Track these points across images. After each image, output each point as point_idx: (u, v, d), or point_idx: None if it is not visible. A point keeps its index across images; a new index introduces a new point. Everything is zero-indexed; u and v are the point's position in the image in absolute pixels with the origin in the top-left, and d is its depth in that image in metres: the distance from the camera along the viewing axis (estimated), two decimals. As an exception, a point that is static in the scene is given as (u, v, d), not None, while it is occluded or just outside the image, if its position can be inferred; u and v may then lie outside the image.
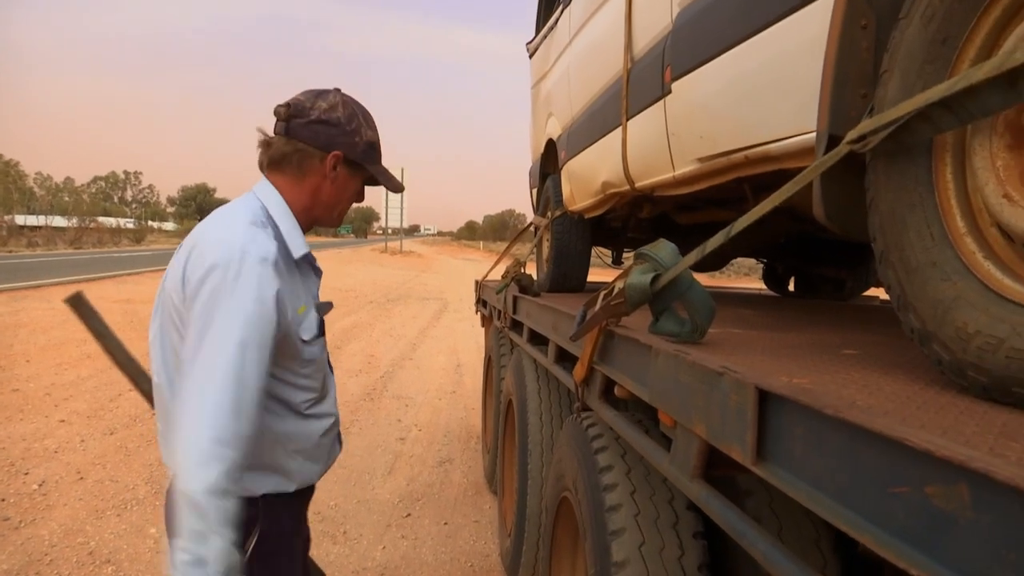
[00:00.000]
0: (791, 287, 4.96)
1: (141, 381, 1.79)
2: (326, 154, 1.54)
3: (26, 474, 4.74)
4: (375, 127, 1.65)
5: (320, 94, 1.57)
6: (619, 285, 1.65)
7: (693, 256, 1.49)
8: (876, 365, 1.33)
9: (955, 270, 1.01)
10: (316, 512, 4.32)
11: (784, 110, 1.61)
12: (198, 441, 1.29)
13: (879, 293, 4.19)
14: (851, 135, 1.17)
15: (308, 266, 1.63)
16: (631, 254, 5.10)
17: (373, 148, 1.62)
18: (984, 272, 0.99)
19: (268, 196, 1.55)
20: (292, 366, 1.53)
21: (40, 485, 4.55)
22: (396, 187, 1.70)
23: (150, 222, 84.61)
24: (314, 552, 2.36)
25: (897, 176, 1.11)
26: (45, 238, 45.08)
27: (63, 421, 5.94)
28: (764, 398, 0.93)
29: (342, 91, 1.61)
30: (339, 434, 1.82)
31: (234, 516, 1.32)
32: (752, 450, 0.93)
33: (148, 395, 1.75)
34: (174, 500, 1.29)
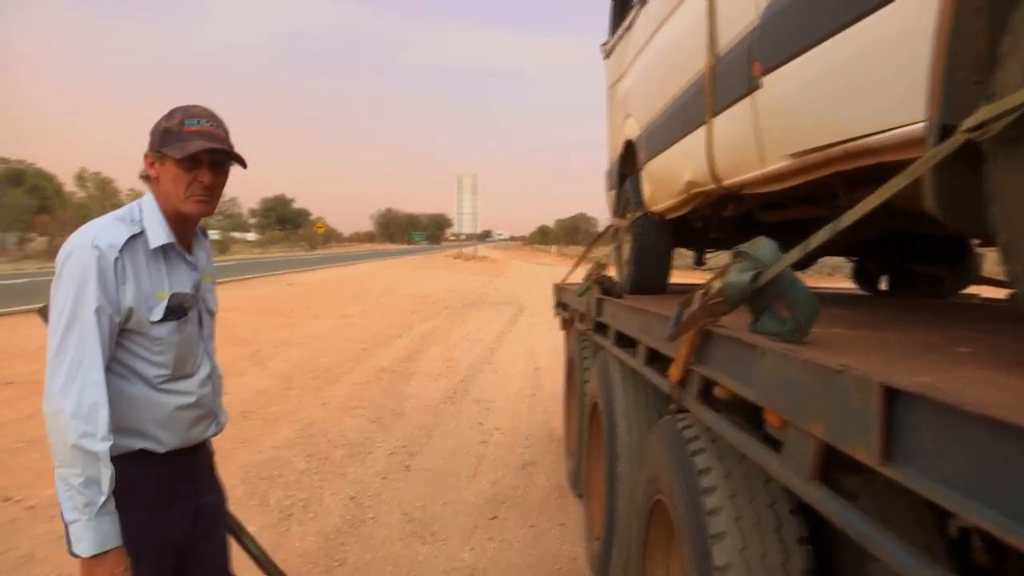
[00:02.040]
0: (883, 286, 4.79)
1: None
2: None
3: (130, 476, 4.97)
4: (182, 114, 1.77)
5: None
6: (717, 284, 1.62)
7: (796, 253, 1.46)
8: (995, 363, 1.27)
9: (1090, 261, 0.96)
10: (404, 513, 4.41)
11: (887, 100, 1.56)
12: (56, 388, 1.63)
13: (979, 291, 4.00)
14: (968, 123, 1.12)
15: (178, 258, 1.85)
16: (713, 255, 5.04)
17: (167, 132, 1.75)
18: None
19: (145, 202, 1.83)
20: (141, 341, 1.77)
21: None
22: (195, 148, 1.73)
23: (233, 233, 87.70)
24: (403, 552, 2.41)
25: (1022, 164, 1.06)
26: (137, 251, 47.09)
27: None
28: (891, 396, 0.90)
29: (178, 106, 1.82)
30: (211, 418, 2.01)
31: (102, 451, 1.62)
32: (878, 451, 0.90)
33: None
34: (53, 446, 1.64)
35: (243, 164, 1.86)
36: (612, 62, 5.04)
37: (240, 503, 4.45)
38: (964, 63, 1.25)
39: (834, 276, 16.54)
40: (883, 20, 1.54)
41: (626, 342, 2.94)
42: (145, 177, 1.83)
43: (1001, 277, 4.41)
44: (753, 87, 2.22)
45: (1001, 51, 1.11)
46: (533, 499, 4.76)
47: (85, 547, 1.62)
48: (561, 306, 5.60)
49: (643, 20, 3.93)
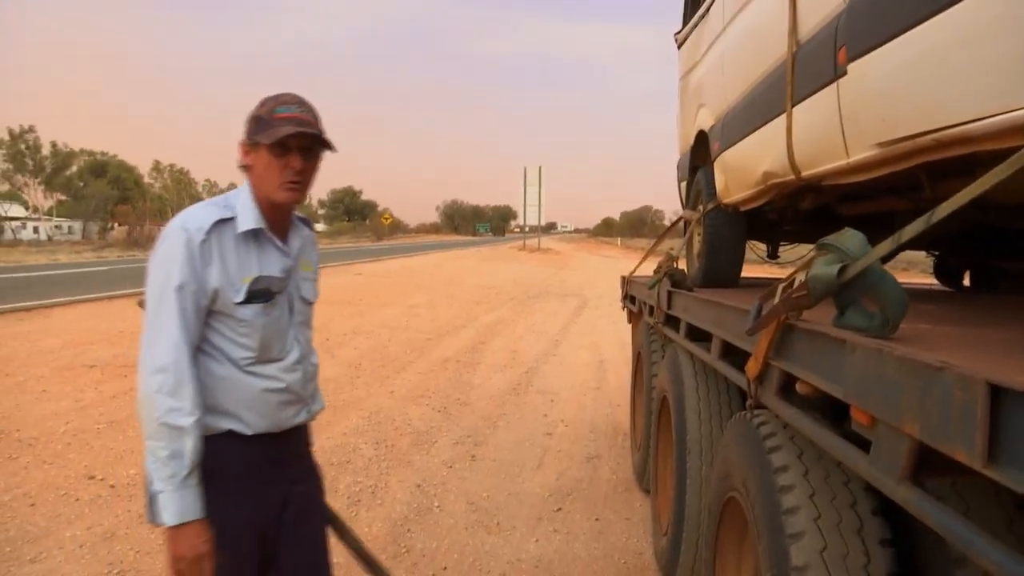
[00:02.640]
0: (965, 281, 4.61)
1: None
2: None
3: (207, 457, 5.14)
4: (272, 102, 1.82)
5: None
6: (800, 277, 1.57)
7: (886, 245, 1.40)
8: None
9: None
10: (469, 502, 4.44)
11: (988, 86, 1.48)
12: (146, 366, 1.70)
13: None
14: (1083, 108, 1.06)
15: (269, 243, 1.89)
16: (787, 248, 4.91)
17: (258, 120, 1.81)
18: None
19: (242, 188, 1.89)
20: (228, 322, 1.82)
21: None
22: (285, 132, 1.77)
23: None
24: (469, 541, 2.44)
25: None
26: (212, 240, 48.63)
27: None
28: (997, 395, 0.86)
29: (271, 94, 1.87)
30: (300, 404, 2.00)
31: (188, 425, 1.69)
32: (983, 452, 0.86)
33: None
34: (141, 418, 1.71)
35: (331, 148, 1.89)
36: (685, 51, 4.95)
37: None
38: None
39: (909, 271, 15.97)
40: (984, 2, 1.46)
41: (698, 336, 2.89)
42: (244, 167, 1.88)
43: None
44: (839, 74, 2.15)
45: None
46: (598, 492, 4.73)
47: (169, 516, 1.69)
48: (629, 299, 5.54)
49: (719, 7, 3.84)
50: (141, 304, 1.89)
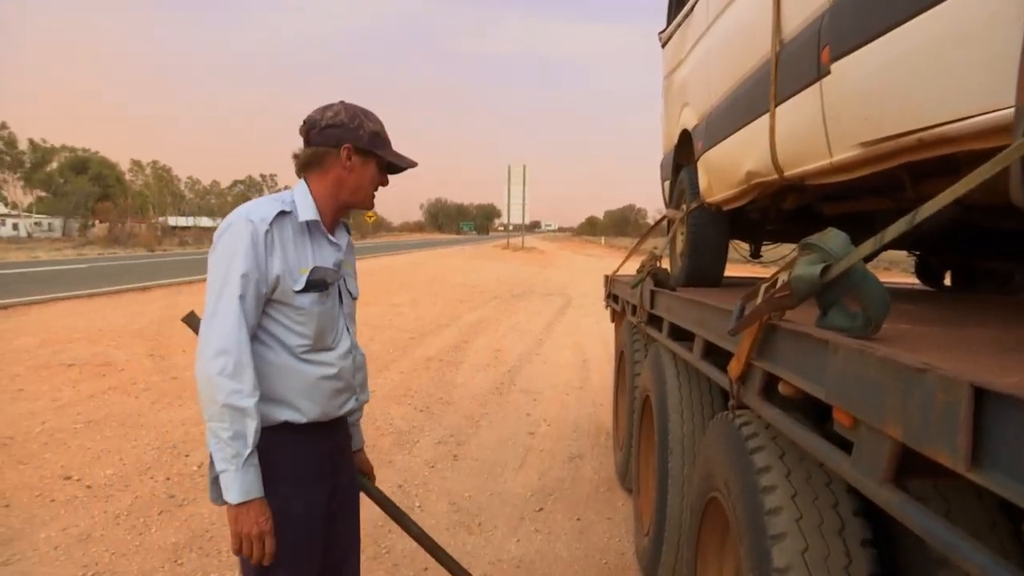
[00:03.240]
0: (947, 281, 4.63)
1: None
2: (339, 149, 1.92)
3: (187, 456, 5.10)
4: (377, 121, 1.98)
5: (326, 107, 1.96)
6: (783, 277, 1.56)
7: (868, 245, 1.39)
8: (1087, 364, 1.19)
9: None
10: (451, 503, 4.42)
11: (971, 86, 1.48)
12: (208, 350, 1.75)
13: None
14: (1066, 108, 1.05)
15: (323, 238, 1.98)
16: (770, 247, 4.93)
17: (378, 136, 1.95)
18: None
19: (297, 188, 1.98)
20: (285, 311, 1.88)
21: (199, 467, 4.87)
22: (408, 164, 2.03)
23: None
24: (450, 541, 2.45)
25: (1125, 152, 0.99)
26: (194, 237, 48.41)
27: (216, 408, 6.34)
28: (980, 397, 0.84)
29: (345, 101, 1.97)
30: (350, 392, 2.09)
31: (249, 407, 1.75)
32: (965, 455, 0.85)
33: None
34: (203, 403, 1.77)
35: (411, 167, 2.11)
36: (669, 50, 4.95)
37: (291, 486, 4.52)
38: (1060, 44, 1.17)
39: (891, 271, 16.10)
40: (967, 2, 1.46)
41: (681, 335, 2.88)
42: (307, 164, 1.95)
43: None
44: (822, 73, 2.14)
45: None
46: (580, 492, 4.72)
47: (233, 495, 1.75)
48: (612, 298, 5.54)
49: (703, 6, 3.84)
50: (189, 322, 2.04)
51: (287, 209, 1.89)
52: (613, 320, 5.98)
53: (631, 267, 4.69)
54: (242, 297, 1.77)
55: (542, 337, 11.32)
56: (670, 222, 4.66)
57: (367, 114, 1.96)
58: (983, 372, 0.93)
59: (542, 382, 8.05)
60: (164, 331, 9.85)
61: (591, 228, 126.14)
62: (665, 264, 4.08)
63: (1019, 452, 0.79)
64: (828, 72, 2.11)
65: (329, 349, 1.99)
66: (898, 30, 1.69)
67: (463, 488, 4.70)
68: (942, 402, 0.90)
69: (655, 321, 3.46)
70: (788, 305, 1.53)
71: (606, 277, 5.90)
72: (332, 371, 1.98)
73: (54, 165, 72.80)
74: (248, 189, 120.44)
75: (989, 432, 0.84)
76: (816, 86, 2.21)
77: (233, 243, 1.80)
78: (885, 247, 4.12)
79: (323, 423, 1.98)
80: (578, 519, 4.26)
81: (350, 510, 2.19)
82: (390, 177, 2.08)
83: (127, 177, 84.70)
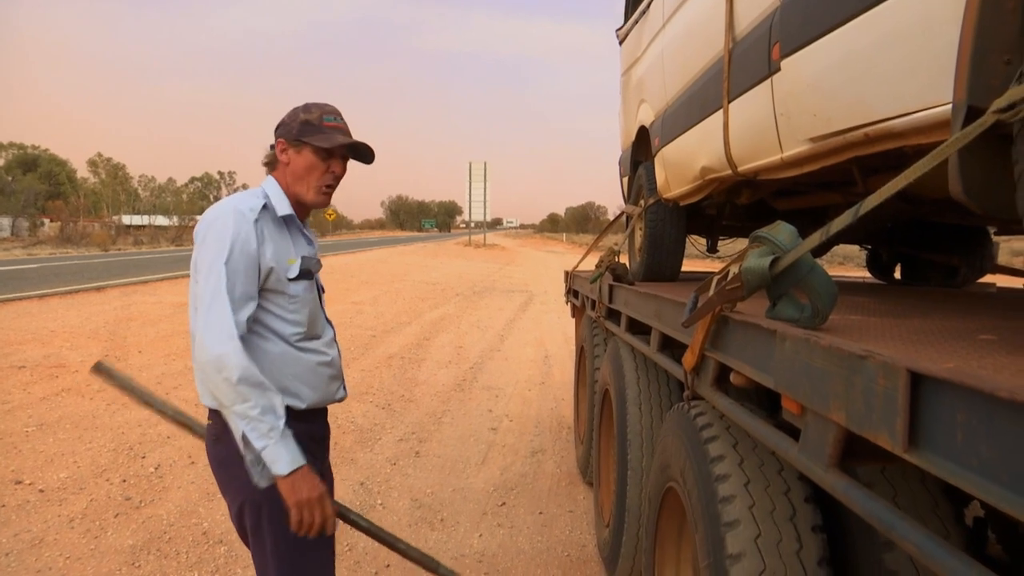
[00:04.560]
0: (897, 274, 4.75)
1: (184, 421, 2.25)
2: (277, 146, 1.99)
3: (143, 457, 5.01)
4: (320, 111, 1.97)
5: (292, 109, 2.00)
6: (734, 269, 1.60)
7: (815, 238, 1.43)
8: (1023, 350, 1.24)
9: None
10: (413, 499, 4.42)
11: (911, 83, 1.52)
12: (211, 337, 1.75)
13: (996, 279, 3.96)
14: (999, 103, 1.09)
15: (299, 232, 2.03)
16: (726, 242, 5.00)
17: (307, 124, 1.94)
18: None
19: (268, 184, 2.01)
20: (279, 301, 1.92)
21: (156, 468, 4.79)
22: (334, 142, 1.95)
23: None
24: (412, 537, 2.48)
25: (1053, 146, 1.03)
26: (149, 236, 47.48)
27: (173, 409, 6.23)
28: (917, 381, 0.88)
29: (310, 102, 2.01)
30: (342, 380, 2.18)
31: (266, 380, 1.79)
32: (903, 437, 0.88)
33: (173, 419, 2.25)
34: (218, 393, 1.76)
35: (370, 160, 2.09)
36: (627, 47, 4.99)
37: (250, 486, 4.47)
38: (993, 43, 1.22)
39: (845, 265, 16.44)
40: (909, 1, 1.50)
41: (638, 329, 2.92)
42: (268, 164, 2.03)
43: (1019, 266, 4.36)
44: (773, 70, 2.19)
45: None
46: (542, 486, 4.75)
47: (284, 465, 1.75)
48: (572, 293, 5.57)
49: (659, 4, 3.88)
50: (102, 372, 2.17)
51: (266, 202, 1.93)
52: (574, 315, 6.02)
53: (591, 263, 4.72)
54: (234, 286, 1.80)
55: (504, 334, 11.34)
56: (629, 218, 4.70)
57: (308, 107, 1.98)
58: (922, 359, 0.96)
59: (504, 378, 8.07)
60: (119, 332, 9.65)
61: (553, 225, 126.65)
62: (624, 259, 4.12)
63: (952, 434, 0.82)
64: (778, 69, 2.15)
65: (318, 337, 2.05)
66: (844, 28, 1.74)
67: (425, 485, 4.70)
68: (882, 387, 0.93)
69: (614, 315, 3.50)
70: (739, 297, 1.56)
71: (566, 273, 5.94)
72: (327, 358, 2.05)
73: (0, 163, 70.82)
74: (205, 187, 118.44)
75: (925, 415, 0.87)
76: (767, 83, 2.26)
77: (223, 234, 1.81)
78: (834, 240, 4.20)
79: (316, 410, 2.05)
80: (540, 513, 4.29)
81: (331, 496, 2.18)
82: (361, 168, 2.12)
83: (80, 175, 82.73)
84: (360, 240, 71.11)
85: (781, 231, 1.52)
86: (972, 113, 1.21)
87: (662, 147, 3.75)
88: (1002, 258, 3.81)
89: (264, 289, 1.89)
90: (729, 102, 2.62)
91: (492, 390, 7.49)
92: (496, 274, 24.65)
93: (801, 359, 1.21)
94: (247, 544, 2.02)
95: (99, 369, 2.26)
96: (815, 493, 1.71)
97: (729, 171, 2.76)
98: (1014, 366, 1.02)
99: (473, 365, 8.75)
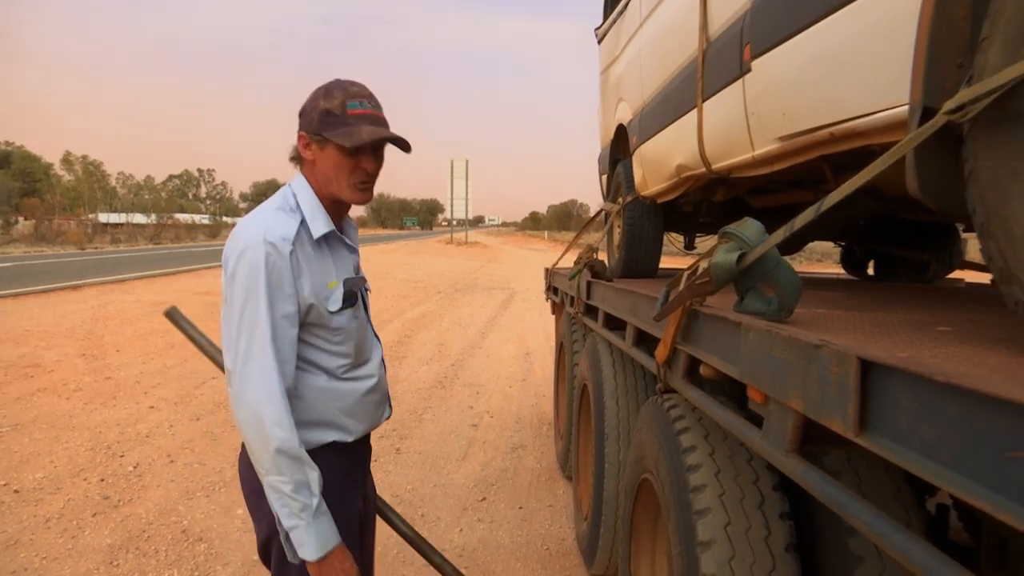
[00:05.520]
0: (870, 271, 4.84)
1: None
2: (299, 141, 1.71)
3: (122, 456, 4.99)
4: (342, 95, 1.67)
5: (314, 91, 1.71)
6: (703, 264, 1.64)
7: (780, 234, 1.48)
8: (976, 341, 1.29)
9: (1064, 239, 0.99)
10: (394, 495, 4.44)
11: (873, 84, 1.58)
12: (249, 397, 1.57)
13: (964, 276, 4.05)
14: (949, 105, 1.15)
15: (339, 243, 1.80)
16: (703, 239, 5.06)
17: (328, 114, 1.65)
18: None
19: (298, 186, 1.74)
20: (323, 334, 1.72)
21: (135, 467, 4.78)
22: (357, 140, 1.63)
23: (224, 217, 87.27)
24: (393, 533, 2.50)
25: (999, 145, 1.09)
26: (127, 235, 46.98)
27: (152, 407, 6.23)
28: (867, 369, 0.93)
29: (335, 80, 1.72)
30: (388, 397, 2.01)
31: (304, 454, 1.61)
32: (854, 422, 0.93)
33: None
34: (252, 453, 1.60)
35: (408, 149, 1.76)
36: (605, 46, 5.05)
37: (231, 486, 4.48)
38: (946, 47, 1.27)
39: (824, 262, 16.62)
40: (870, 5, 1.56)
41: (615, 324, 2.97)
42: (295, 159, 1.76)
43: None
44: (744, 70, 2.24)
45: (981, 35, 1.13)
46: (522, 481, 4.80)
47: (311, 551, 1.61)
48: (552, 290, 5.62)
49: (636, 4, 3.94)
50: (172, 317, 2.01)
51: (299, 220, 1.68)
52: (554, 312, 6.07)
53: (571, 260, 4.77)
54: (275, 337, 1.59)
55: (485, 331, 11.38)
56: (607, 215, 4.76)
57: (331, 90, 1.68)
58: (872, 348, 1.01)
59: (485, 375, 8.11)
60: (96, 331, 9.58)
61: (534, 222, 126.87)
62: (603, 256, 4.17)
63: (898, 418, 0.87)
64: (749, 69, 2.21)
65: (367, 362, 1.87)
66: (810, 30, 1.79)
67: (406, 481, 4.73)
68: (836, 375, 0.98)
69: (592, 311, 3.55)
70: (708, 291, 1.61)
71: (546, 270, 5.99)
72: (372, 383, 1.87)
73: (-28, 159, 69.89)
74: (184, 184, 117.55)
75: (874, 400, 0.92)
76: (739, 83, 2.31)
77: (255, 273, 1.57)
78: (806, 237, 4.27)
79: (364, 435, 1.90)
80: (520, 507, 4.33)
81: (372, 519, 2.13)
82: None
83: (56, 172, 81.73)
84: (341, 238, 70.70)
85: (748, 227, 1.57)
86: (927, 114, 1.27)
87: (640, 145, 3.81)
88: (971, 254, 3.89)
89: (305, 323, 1.68)
90: (703, 101, 2.68)
91: (473, 387, 7.52)
92: (478, 271, 24.67)
93: (764, 350, 1.26)
94: (268, 567, 1.86)
95: (170, 315, 2.13)
96: (783, 482, 1.76)
97: (704, 169, 2.82)
98: (962, 355, 1.07)
99: (454, 362, 8.78)
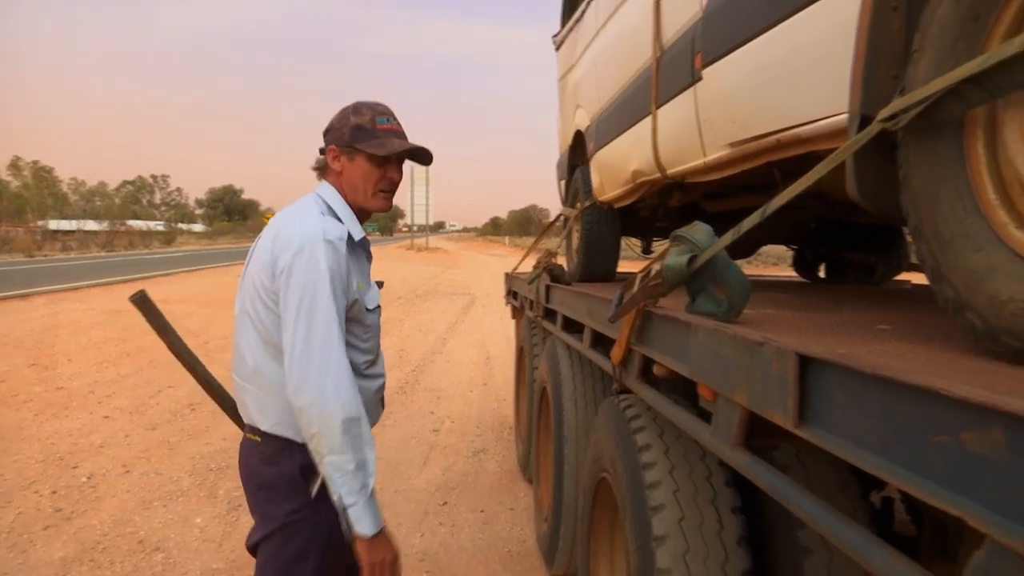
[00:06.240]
0: (821, 273, 4.96)
1: (198, 368, 1.97)
2: (328, 153, 1.88)
3: (75, 467, 4.89)
4: (371, 112, 1.86)
5: (341, 110, 1.90)
6: (656, 267, 1.69)
7: (729, 236, 1.53)
8: (911, 338, 1.36)
9: (987, 240, 1.05)
10: (355, 501, 4.41)
11: (815, 92, 1.65)
12: (340, 386, 1.68)
13: (910, 278, 4.18)
14: (883, 114, 1.21)
15: (362, 250, 1.92)
16: (661, 243, 5.14)
17: (359, 129, 1.83)
18: (1017, 241, 1.02)
19: (327, 193, 1.88)
20: (356, 331, 1.86)
21: (89, 478, 4.69)
22: (389, 150, 1.83)
23: (179, 224, 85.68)
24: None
25: (929, 152, 1.15)
26: (78, 242, 45.88)
27: (107, 417, 6.11)
28: (804, 363, 0.98)
29: (360, 101, 1.91)
30: (383, 399, 2.09)
31: (369, 435, 1.74)
32: (794, 414, 0.98)
33: (203, 381, 1.94)
34: (319, 438, 1.67)
35: (429, 161, 1.97)
36: (563, 53, 5.11)
37: (188, 494, 4.43)
38: (882, 57, 1.34)
39: (779, 266, 16.93)
40: (813, 15, 1.62)
41: (573, 327, 3.01)
42: (318, 169, 1.92)
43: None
44: (696, 78, 2.30)
45: (913, 47, 1.19)
46: (483, 485, 4.82)
47: (367, 526, 1.69)
48: (512, 295, 5.66)
49: (592, 12, 4.00)
50: (140, 303, 1.94)
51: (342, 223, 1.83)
52: (514, 317, 6.10)
53: (530, 265, 4.81)
54: (339, 324, 1.72)
55: (446, 336, 11.37)
56: (566, 220, 4.81)
57: (359, 108, 1.87)
58: (811, 344, 1.07)
59: (446, 380, 8.11)
60: (47, 340, 9.35)
61: (495, 228, 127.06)
62: (562, 261, 4.22)
63: (832, 409, 0.92)
64: (700, 78, 2.27)
65: (377, 361, 2.00)
66: (757, 40, 1.86)
67: (367, 486, 4.71)
68: (776, 370, 1.03)
69: (550, 315, 3.59)
70: (660, 293, 1.66)
71: (506, 275, 6.02)
72: (382, 381, 2.00)
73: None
74: (138, 190, 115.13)
75: (811, 393, 0.97)
76: (691, 90, 2.37)
77: (318, 267, 1.70)
78: (757, 242, 4.35)
79: None
80: (481, 511, 4.35)
81: None
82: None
83: (2, 178, 79.57)
84: (300, 244, 69.89)
85: (698, 231, 1.62)
86: (864, 122, 1.33)
87: (597, 151, 3.87)
88: (916, 257, 4.02)
89: (346, 319, 1.80)
90: (657, 108, 2.74)
91: (434, 392, 7.52)
92: (439, 277, 24.62)
93: (712, 348, 1.31)
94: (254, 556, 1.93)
95: (138, 300, 2.04)
96: (735, 477, 1.82)
97: (659, 174, 2.88)
98: (896, 351, 1.14)
99: (415, 368, 8.76)
